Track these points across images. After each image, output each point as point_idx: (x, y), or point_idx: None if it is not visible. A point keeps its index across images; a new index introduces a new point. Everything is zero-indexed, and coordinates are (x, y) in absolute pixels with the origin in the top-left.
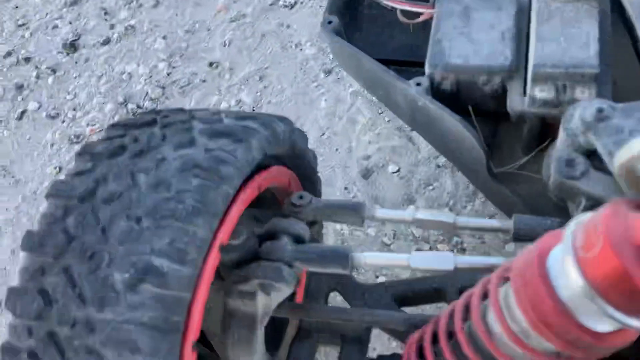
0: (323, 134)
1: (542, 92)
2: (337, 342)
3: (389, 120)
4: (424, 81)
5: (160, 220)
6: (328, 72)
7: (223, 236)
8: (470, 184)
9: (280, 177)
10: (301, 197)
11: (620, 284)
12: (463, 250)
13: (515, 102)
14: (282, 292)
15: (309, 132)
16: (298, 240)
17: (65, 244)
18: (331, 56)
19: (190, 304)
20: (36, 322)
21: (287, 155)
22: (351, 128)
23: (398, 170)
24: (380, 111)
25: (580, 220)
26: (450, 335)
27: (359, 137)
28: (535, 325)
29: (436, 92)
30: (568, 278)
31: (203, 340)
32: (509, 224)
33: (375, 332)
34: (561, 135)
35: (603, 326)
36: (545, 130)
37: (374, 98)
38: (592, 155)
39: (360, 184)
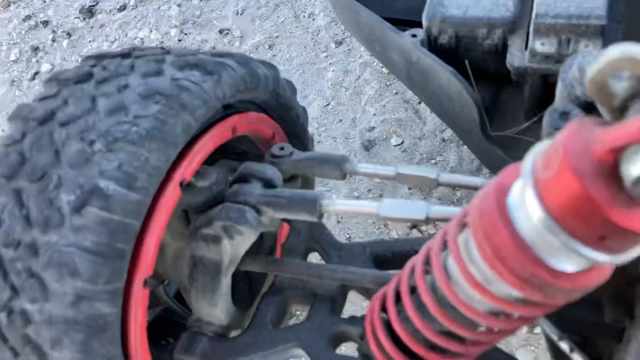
0: (328, 104)
1: (544, 46)
2: (308, 300)
3: (396, 93)
4: (420, 33)
5: (112, 143)
6: (339, 43)
7: (185, 172)
8: (475, 160)
9: (262, 125)
10: (282, 148)
11: (580, 206)
12: None
13: (515, 58)
14: (246, 236)
15: (314, 102)
16: (269, 185)
17: (18, 165)
18: (343, 27)
19: (142, 236)
20: None
21: (271, 104)
22: (357, 99)
23: (401, 143)
24: (388, 83)
25: (542, 145)
26: (413, 290)
27: (365, 109)
28: (490, 260)
29: (433, 47)
30: (526, 207)
31: (181, 297)
32: None
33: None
34: (559, 86)
35: (567, 264)
36: (548, 93)
37: (383, 69)
38: (590, 108)
39: (361, 156)
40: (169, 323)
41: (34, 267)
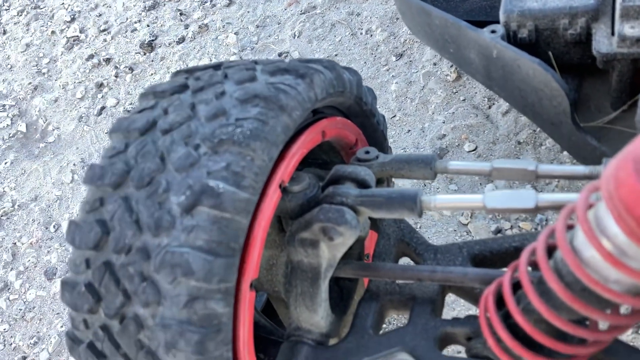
0: (394, 116)
1: (634, 29)
2: (407, 304)
3: (464, 99)
4: (499, 29)
5: (217, 144)
6: (399, 56)
7: (283, 174)
8: (554, 159)
9: (347, 131)
10: (367, 152)
11: None
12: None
13: (602, 45)
14: (346, 238)
15: None
16: (363, 186)
17: (124, 173)
18: (402, 39)
19: (248, 236)
20: (94, 252)
21: (355, 110)
22: (424, 108)
23: (475, 149)
24: (454, 90)
25: None
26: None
27: (433, 117)
28: (635, 233)
29: (513, 42)
30: None
31: (268, 311)
32: (599, 170)
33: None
34: None
35: None
36: (638, 79)
37: (448, 77)
38: None
39: None
40: (258, 339)
41: (146, 271)
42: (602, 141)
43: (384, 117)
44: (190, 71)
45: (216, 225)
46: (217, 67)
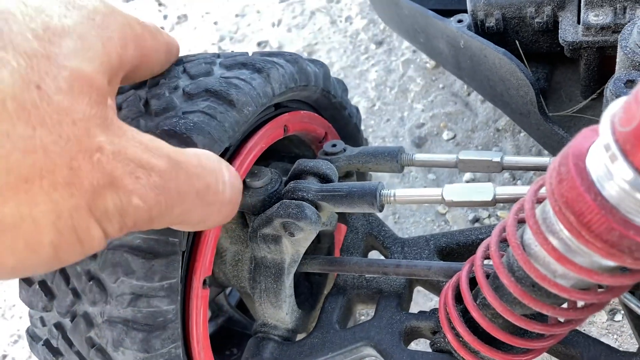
0: (373, 105)
1: (598, 17)
2: (374, 298)
3: (443, 87)
4: (466, 18)
5: (158, 136)
6: (379, 43)
7: (238, 170)
8: (532, 147)
9: (314, 125)
10: (334, 145)
11: None
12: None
13: (568, 33)
14: (307, 233)
15: (359, 104)
16: (325, 180)
17: None
18: (382, 26)
19: (198, 233)
20: None
21: (323, 104)
22: (403, 97)
23: (454, 137)
24: (433, 78)
25: (619, 101)
26: (487, 275)
27: (412, 106)
28: (573, 228)
29: (481, 32)
30: (607, 166)
31: (243, 307)
32: None
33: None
34: (619, 55)
35: None
36: (605, 67)
37: (427, 65)
38: None
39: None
40: (232, 333)
41: (92, 270)
42: (571, 131)
43: (357, 108)
44: None
45: None
46: (178, 62)
